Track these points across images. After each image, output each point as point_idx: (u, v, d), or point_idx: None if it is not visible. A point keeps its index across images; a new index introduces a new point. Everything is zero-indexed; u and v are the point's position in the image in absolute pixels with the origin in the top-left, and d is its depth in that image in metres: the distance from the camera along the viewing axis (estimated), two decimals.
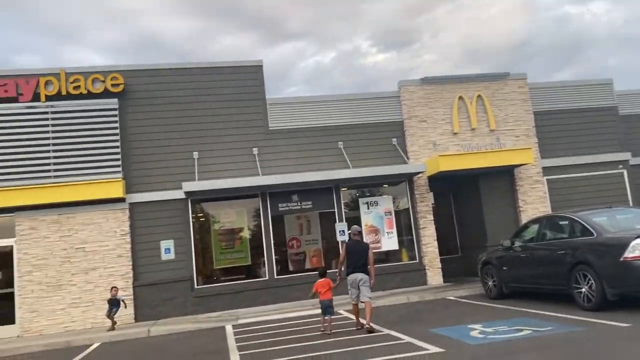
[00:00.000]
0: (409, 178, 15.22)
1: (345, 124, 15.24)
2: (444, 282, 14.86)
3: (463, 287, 13.72)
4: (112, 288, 12.68)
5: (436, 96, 15.62)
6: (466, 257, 16.42)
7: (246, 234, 14.61)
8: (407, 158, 15.19)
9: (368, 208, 15.15)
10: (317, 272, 10.25)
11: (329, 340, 8.63)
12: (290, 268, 14.64)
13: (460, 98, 15.62)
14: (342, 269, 9.81)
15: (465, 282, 14.79)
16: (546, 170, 15.84)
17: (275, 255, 14.42)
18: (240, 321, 12.19)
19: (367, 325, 9.05)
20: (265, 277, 14.28)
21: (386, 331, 8.91)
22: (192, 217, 14.24)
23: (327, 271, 10.38)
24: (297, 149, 14.84)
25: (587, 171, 16.19)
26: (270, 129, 14.88)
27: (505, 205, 15.64)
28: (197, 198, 14.29)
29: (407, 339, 8.05)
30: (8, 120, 13.37)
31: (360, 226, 10.54)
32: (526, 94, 16.02)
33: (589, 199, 15.83)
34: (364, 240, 10.30)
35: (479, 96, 15.65)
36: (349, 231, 10.03)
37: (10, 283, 13.09)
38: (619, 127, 16.73)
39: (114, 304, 12.51)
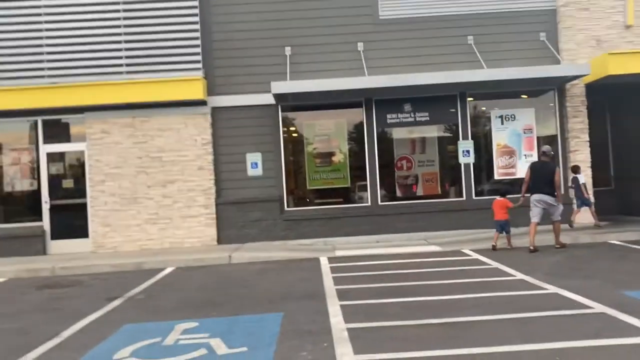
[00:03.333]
0: (559, 85, 11.65)
1: (477, 13, 11.75)
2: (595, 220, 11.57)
3: (625, 228, 10.48)
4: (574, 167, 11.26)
5: None
6: (622, 190, 12.88)
7: (346, 150, 12.06)
8: (560, 59, 11.56)
9: (502, 123, 11.91)
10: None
11: (470, 295, 6.02)
12: (398, 194, 12.02)
13: None
14: (525, 189, 9.53)
15: (624, 222, 11.44)
16: None
17: (380, 177, 11.83)
18: (338, 253, 9.94)
19: (557, 245, 9.24)
20: (367, 202, 11.80)
21: (551, 288, 6.12)
22: (283, 128, 11.87)
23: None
24: (414, 44, 11.67)
25: None
26: (381, 18, 11.79)
27: None
28: (289, 104, 11.84)
29: (594, 306, 5.22)
30: (74, 4, 11.44)
31: (546, 151, 9.63)
32: None
33: None
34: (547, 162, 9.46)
35: None
36: (543, 150, 9.70)
37: (82, 193, 11.67)
38: None
39: (580, 195, 10.94)
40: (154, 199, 11.57)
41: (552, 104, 11.91)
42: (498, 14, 11.75)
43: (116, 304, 6.77)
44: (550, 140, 11.97)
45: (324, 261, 9.22)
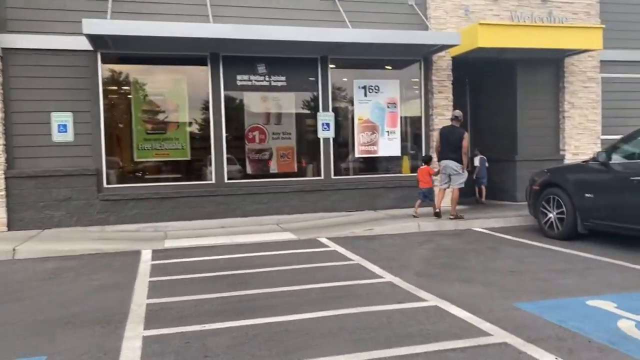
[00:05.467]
0: (425, 56, 10.68)
1: None
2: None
3: (486, 214, 9.84)
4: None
5: None
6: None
7: (186, 115, 9.92)
8: (429, 26, 10.55)
9: (365, 95, 10.65)
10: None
11: (331, 312, 4.44)
12: (249, 170, 10.22)
13: None
14: (439, 156, 9.40)
15: (485, 207, 10.89)
16: (604, 66, 11.66)
17: (227, 150, 9.93)
18: (168, 244, 7.90)
19: (450, 216, 9.09)
20: (212, 180, 9.85)
21: (429, 297, 4.79)
22: (104, 82, 9.36)
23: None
24: None
25: None
26: None
27: (546, 107, 11.51)
28: (113, 53, 9.33)
29: (490, 330, 3.93)
30: None
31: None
32: None
33: None
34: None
35: None
36: (455, 115, 9.36)
37: None
38: None
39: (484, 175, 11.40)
40: None
41: (416, 79, 10.93)
42: None
43: None
44: (414, 118, 11.03)
45: (146, 256, 7.14)
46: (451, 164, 9.02)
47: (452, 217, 9.07)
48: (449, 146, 9.05)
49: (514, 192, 11.22)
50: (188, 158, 9.85)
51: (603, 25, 10.40)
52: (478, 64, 11.38)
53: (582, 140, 11.44)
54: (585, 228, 7.25)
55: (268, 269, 6.16)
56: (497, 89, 11.83)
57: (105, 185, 9.31)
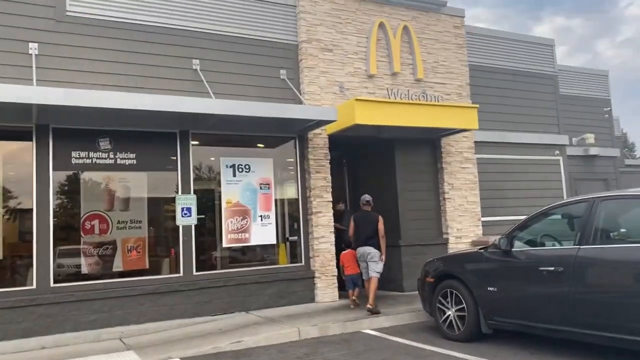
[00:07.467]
0: (300, 134, 9.66)
1: (206, 32, 9.11)
2: (340, 298, 9.61)
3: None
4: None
5: (349, 16, 10.26)
6: None
7: None
8: (303, 102, 9.61)
9: (234, 175, 9.23)
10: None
11: None
12: (85, 270, 8.07)
13: (381, 26, 10.49)
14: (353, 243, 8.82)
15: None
16: (479, 147, 11.54)
17: (56, 244, 7.78)
18: None
19: (368, 306, 8.05)
20: (32, 285, 7.57)
21: None
22: None
23: None
24: (121, 58, 8.31)
25: (522, 153, 12.30)
26: (68, 14, 8.10)
27: (427, 189, 10.96)
28: None
29: None
30: None
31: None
32: (462, 38, 11.52)
33: (522, 190, 12.00)
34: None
35: (405, 27, 10.67)
36: (366, 199, 8.93)
37: None
38: (558, 103, 13.22)
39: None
40: None
41: (292, 159, 9.82)
42: (234, 38, 9.31)
43: None
44: (291, 201, 9.80)
45: None
46: (370, 250, 8.44)
47: (370, 308, 7.99)
48: (365, 232, 8.54)
49: (401, 281, 10.25)
50: None
51: (477, 105, 10.25)
52: (356, 143, 10.68)
53: (464, 222, 10.96)
54: (490, 327, 6.23)
55: None
56: (377, 170, 11.12)
57: None
